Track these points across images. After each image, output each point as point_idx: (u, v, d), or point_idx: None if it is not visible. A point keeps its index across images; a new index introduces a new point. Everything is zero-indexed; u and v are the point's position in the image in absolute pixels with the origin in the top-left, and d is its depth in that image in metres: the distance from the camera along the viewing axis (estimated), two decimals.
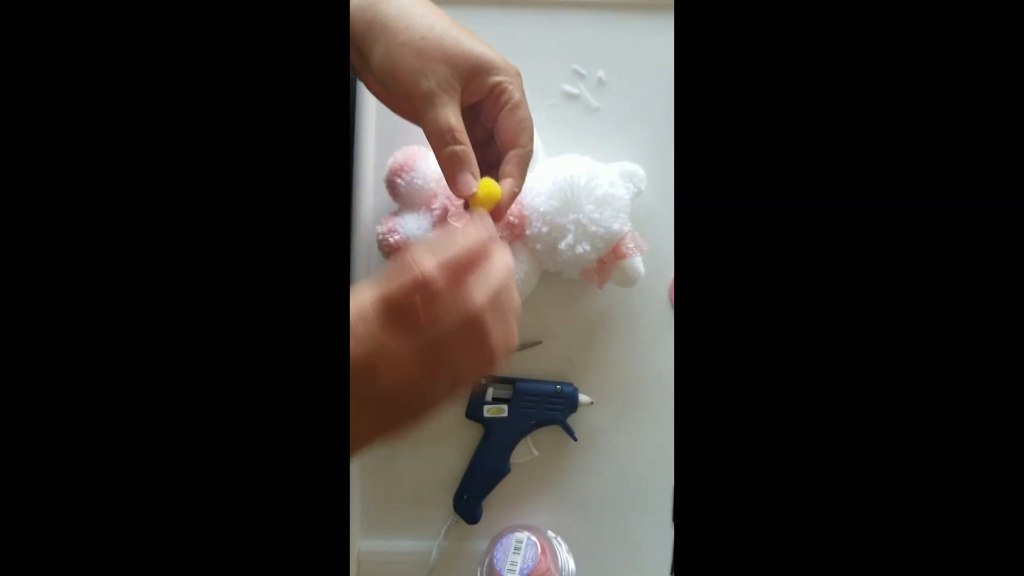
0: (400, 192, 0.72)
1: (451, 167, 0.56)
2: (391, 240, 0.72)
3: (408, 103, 0.57)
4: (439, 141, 0.56)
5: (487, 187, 0.57)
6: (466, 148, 0.56)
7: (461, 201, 0.60)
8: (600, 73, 0.78)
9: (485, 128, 0.60)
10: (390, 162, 0.73)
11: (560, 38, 0.78)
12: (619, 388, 0.77)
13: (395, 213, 0.73)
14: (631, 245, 0.71)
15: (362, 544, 0.74)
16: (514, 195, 0.59)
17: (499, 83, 0.57)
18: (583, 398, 0.75)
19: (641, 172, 0.74)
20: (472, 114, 0.59)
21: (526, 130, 0.58)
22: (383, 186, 0.74)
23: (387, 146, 0.75)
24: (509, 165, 0.58)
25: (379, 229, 0.73)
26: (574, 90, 0.78)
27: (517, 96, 0.57)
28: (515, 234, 0.71)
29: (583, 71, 0.78)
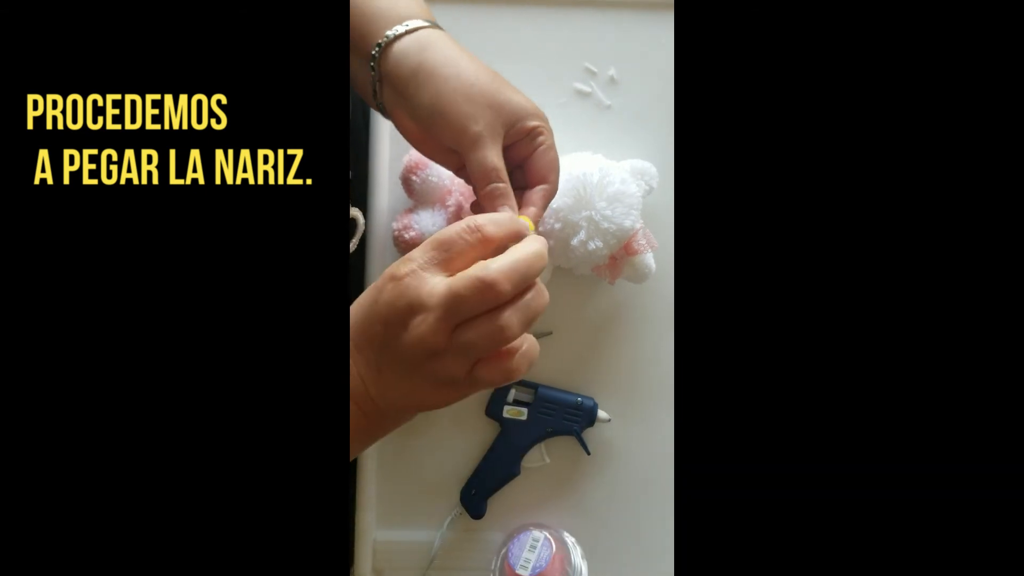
0: (415, 189, 0.73)
1: (493, 201, 0.60)
2: (406, 236, 0.72)
3: (455, 143, 0.60)
4: (483, 179, 0.59)
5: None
6: (507, 186, 0.60)
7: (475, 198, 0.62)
8: (612, 71, 0.78)
9: (511, 163, 0.63)
10: (405, 160, 0.73)
11: (572, 36, 0.78)
12: (630, 384, 0.77)
13: (410, 210, 0.74)
14: (642, 242, 0.71)
15: (377, 534, 0.75)
16: (538, 219, 0.62)
17: (536, 127, 0.61)
18: (602, 414, 0.75)
19: (653, 169, 0.75)
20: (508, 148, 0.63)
21: (555, 169, 0.63)
22: (398, 183, 0.75)
23: (402, 144, 0.76)
24: (536, 195, 0.62)
25: (394, 226, 0.74)
26: (586, 88, 0.78)
27: (549, 138, 0.62)
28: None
29: (595, 69, 0.78)
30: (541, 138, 0.61)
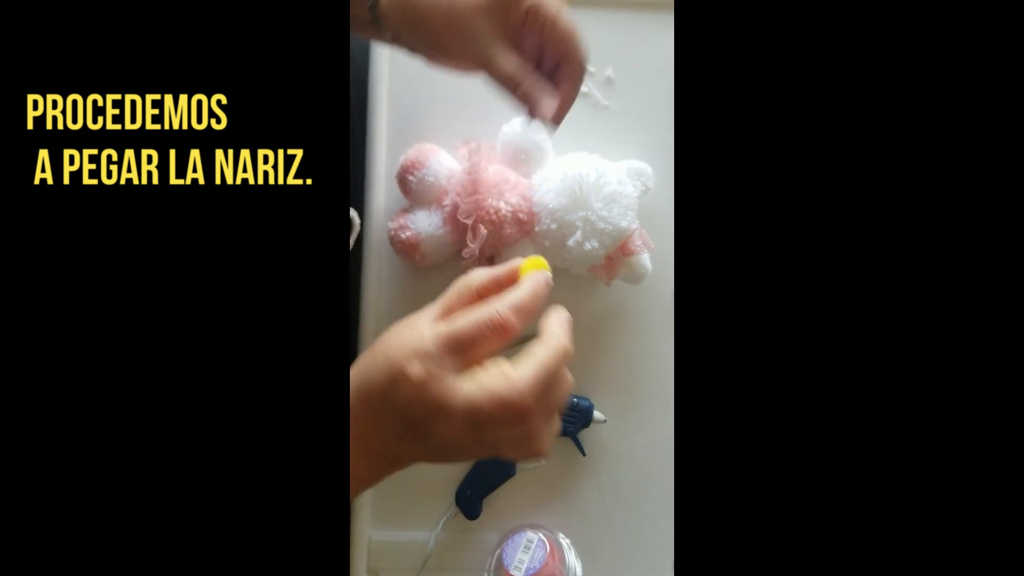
0: (411, 189, 0.73)
1: (530, 102, 0.61)
2: (402, 236, 0.72)
3: (471, 67, 0.61)
4: (508, 86, 0.60)
5: (533, 264, 0.53)
6: (531, 81, 0.60)
7: (473, 198, 0.63)
8: (609, 71, 0.79)
9: (536, 47, 0.62)
10: (402, 159, 0.73)
11: None
12: (626, 385, 0.77)
13: (406, 209, 0.74)
14: (639, 242, 0.71)
15: (372, 534, 0.75)
16: (569, 104, 0.62)
17: (530, 8, 0.59)
18: (598, 415, 0.75)
19: (649, 170, 0.75)
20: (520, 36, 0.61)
21: (567, 39, 0.60)
22: (395, 183, 0.75)
23: (399, 143, 0.76)
24: (563, 84, 0.62)
25: (391, 225, 0.73)
26: (583, 88, 0.78)
27: (550, 11, 0.59)
28: (524, 231, 0.72)
29: (592, 69, 0.78)
30: (539, 17, 0.59)
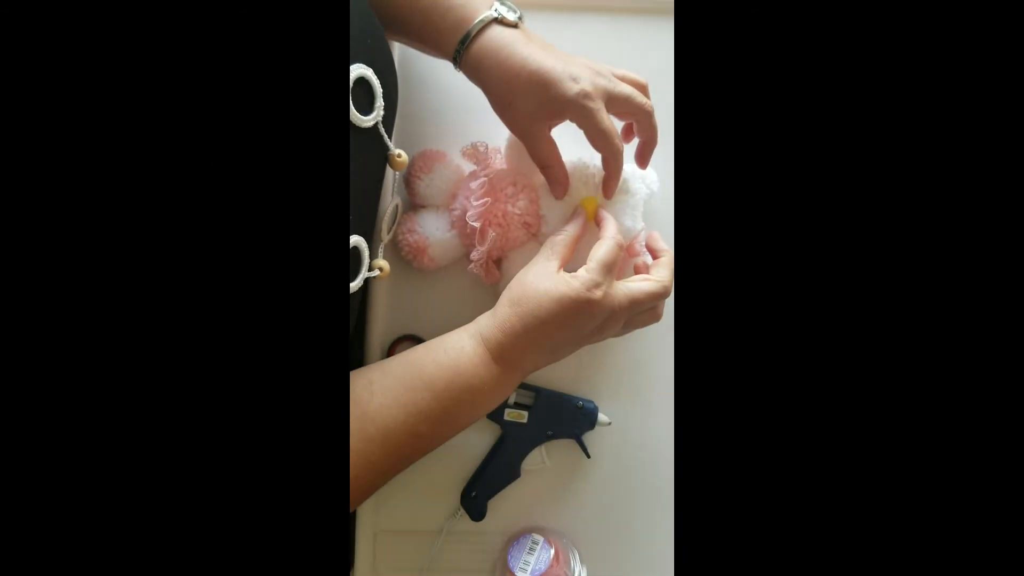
0: (419, 192, 0.74)
1: (547, 182, 0.70)
2: (410, 239, 0.73)
3: (513, 132, 0.69)
4: (538, 164, 0.69)
5: (589, 203, 0.70)
6: (554, 168, 0.68)
7: (481, 202, 0.64)
8: None
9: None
10: (409, 162, 0.74)
11: (572, 42, 0.78)
12: (631, 387, 0.78)
13: (414, 212, 0.75)
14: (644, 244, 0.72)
15: (378, 535, 0.76)
16: (610, 186, 0.70)
17: (573, 117, 0.65)
18: (603, 417, 0.76)
19: (653, 174, 0.75)
20: None
21: (601, 143, 0.66)
22: (402, 185, 0.75)
23: (407, 147, 0.76)
24: (602, 162, 0.69)
25: (398, 228, 0.74)
26: None
27: (587, 121, 0.65)
28: (531, 233, 0.72)
29: None
30: (580, 124, 0.65)
